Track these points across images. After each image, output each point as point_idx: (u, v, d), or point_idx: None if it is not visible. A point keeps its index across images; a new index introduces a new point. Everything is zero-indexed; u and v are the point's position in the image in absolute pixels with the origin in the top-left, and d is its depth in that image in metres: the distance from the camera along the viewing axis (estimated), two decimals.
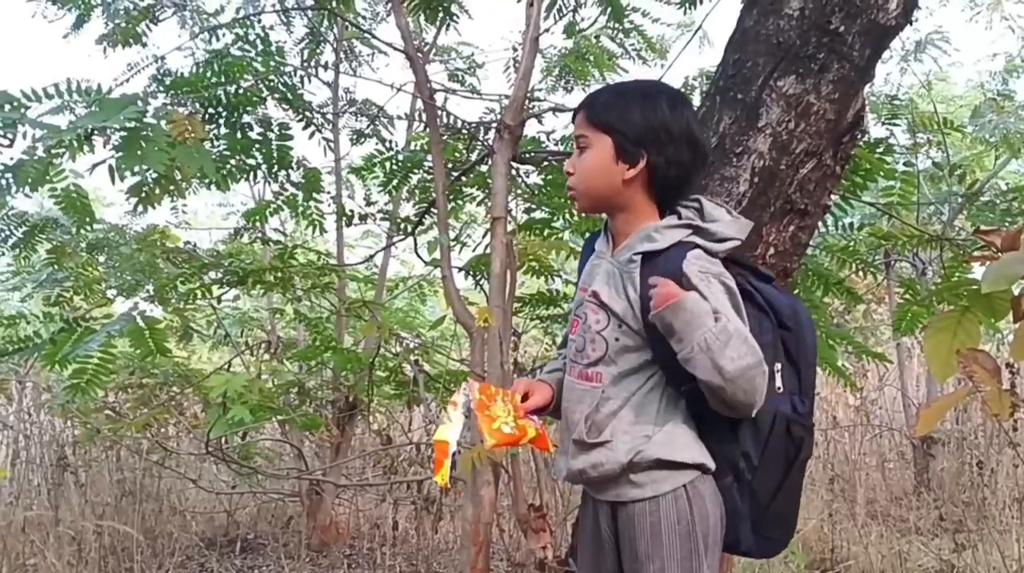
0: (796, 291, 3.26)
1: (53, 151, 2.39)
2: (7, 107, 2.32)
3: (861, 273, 3.58)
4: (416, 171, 3.60)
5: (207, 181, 3.15)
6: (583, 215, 3.21)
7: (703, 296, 1.47)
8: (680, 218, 1.60)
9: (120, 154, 2.25)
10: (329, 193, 3.87)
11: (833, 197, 2.41)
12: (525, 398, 1.67)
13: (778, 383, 1.56)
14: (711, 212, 1.62)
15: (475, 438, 2.14)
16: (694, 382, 1.49)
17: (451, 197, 3.35)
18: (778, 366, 1.56)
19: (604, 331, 1.58)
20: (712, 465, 1.54)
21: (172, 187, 2.60)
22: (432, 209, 3.17)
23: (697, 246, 1.55)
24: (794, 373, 1.59)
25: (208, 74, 2.91)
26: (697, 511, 1.52)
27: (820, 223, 2.96)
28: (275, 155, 3.17)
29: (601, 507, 1.61)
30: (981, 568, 3.29)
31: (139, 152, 2.19)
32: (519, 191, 3.44)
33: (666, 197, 1.61)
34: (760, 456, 1.55)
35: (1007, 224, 3.11)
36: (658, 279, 1.48)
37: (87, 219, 2.72)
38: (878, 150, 2.92)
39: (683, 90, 3.87)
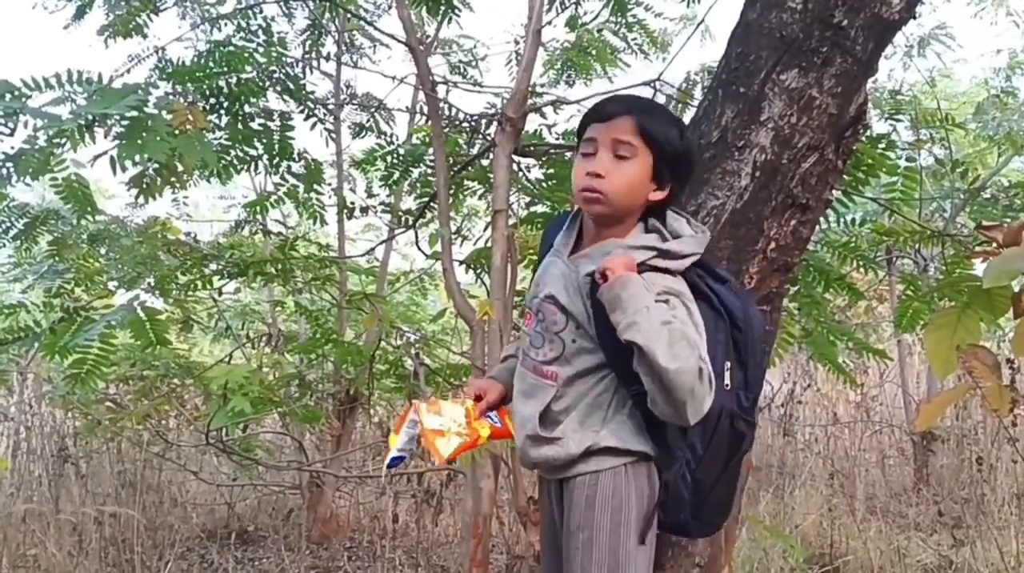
0: (797, 286, 3.26)
1: (54, 140, 2.39)
2: (8, 96, 2.32)
3: (862, 270, 3.58)
4: (417, 165, 3.59)
5: (208, 173, 3.14)
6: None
7: None
8: (647, 230, 1.64)
9: (121, 143, 2.25)
10: (330, 185, 3.86)
11: (835, 192, 2.41)
12: (479, 399, 1.74)
13: (727, 381, 1.61)
14: (673, 226, 1.66)
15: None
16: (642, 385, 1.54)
17: (452, 190, 3.34)
18: (728, 365, 1.62)
19: (562, 332, 1.62)
20: (653, 453, 1.60)
21: (173, 178, 2.60)
22: (433, 202, 3.17)
23: (655, 269, 1.57)
24: (741, 369, 1.64)
25: (210, 63, 2.91)
26: (635, 489, 1.59)
27: (821, 218, 2.97)
28: (276, 146, 3.17)
29: (552, 486, 1.68)
30: (979, 564, 3.29)
31: (140, 142, 2.18)
32: (520, 185, 3.44)
33: (654, 212, 1.66)
34: (705, 448, 1.61)
35: (1008, 220, 3.11)
36: (610, 262, 1.53)
37: (88, 209, 2.71)
38: (880, 146, 2.92)
39: (685, 84, 3.87)
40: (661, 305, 1.51)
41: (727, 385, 1.60)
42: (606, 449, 1.58)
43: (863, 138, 2.57)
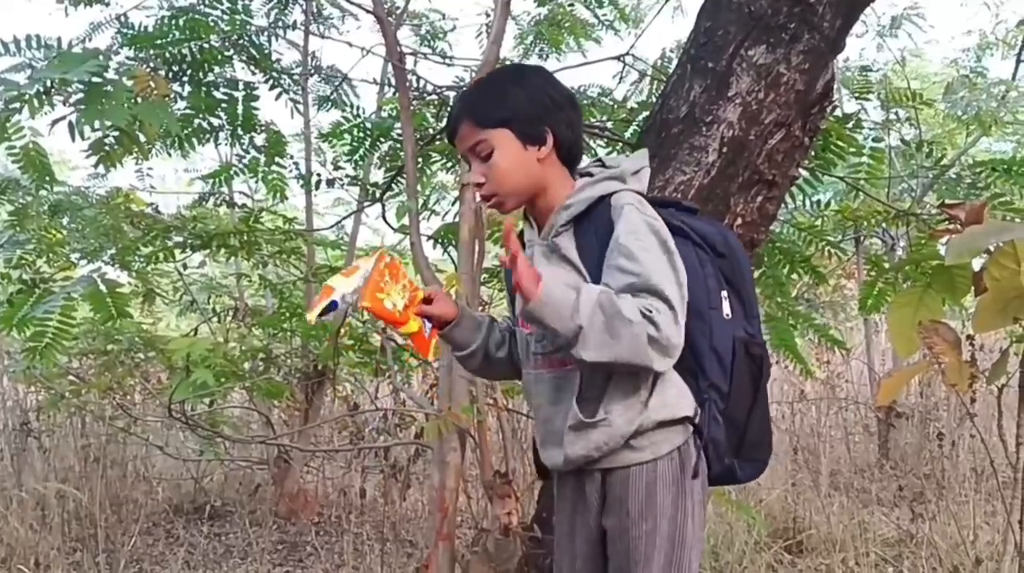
0: (762, 268, 3.28)
1: (11, 107, 2.33)
2: None
3: (828, 254, 3.59)
4: (385, 139, 3.54)
5: (169, 142, 3.08)
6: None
7: (631, 255, 1.46)
8: (593, 176, 1.61)
9: (81, 109, 2.20)
10: (291, 157, 3.80)
11: (801, 170, 2.42)
12: (428, 302, 1.62)
13: (726, 310, 1.58)
14: (610, 161, 1.65)
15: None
16: None
17: (420, 164, 3.31)
18: (724, 293, 1.59)
19: None
20: (698, 412, 1.54)
21: (135, 147, 2.54)
22: (401, 176, 3.14)
23: (617, 192, 1.55)
24: (735, 295, 1.61)
25: (172, 30, 2.85)
26: (689, 470, 1.54)
27: (789, 199, 2.97)
28: (241, 116, 3.11)
29: (589, 476, 1.58)
30: (939, 537, 3.35)
31: (100, 107, 2.13)
32: None
33: (571, 160, 1.63)
34: (729, 383, 1.56)
35: (973, 197, 3.14)
36: (519, 262, 1.41)
37: (46, 179, 2.65)
38: (848, 125, 2.93)
39: (659, 61, 3.85)
40: (587, 290, 1.43)
41: (727, 314, 1.58)
42: (659, 424, 1.52)
43: (831, 117, 2.58)
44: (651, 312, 1.42)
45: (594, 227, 1.55)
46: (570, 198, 1.57)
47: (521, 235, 1.71)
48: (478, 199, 1.72)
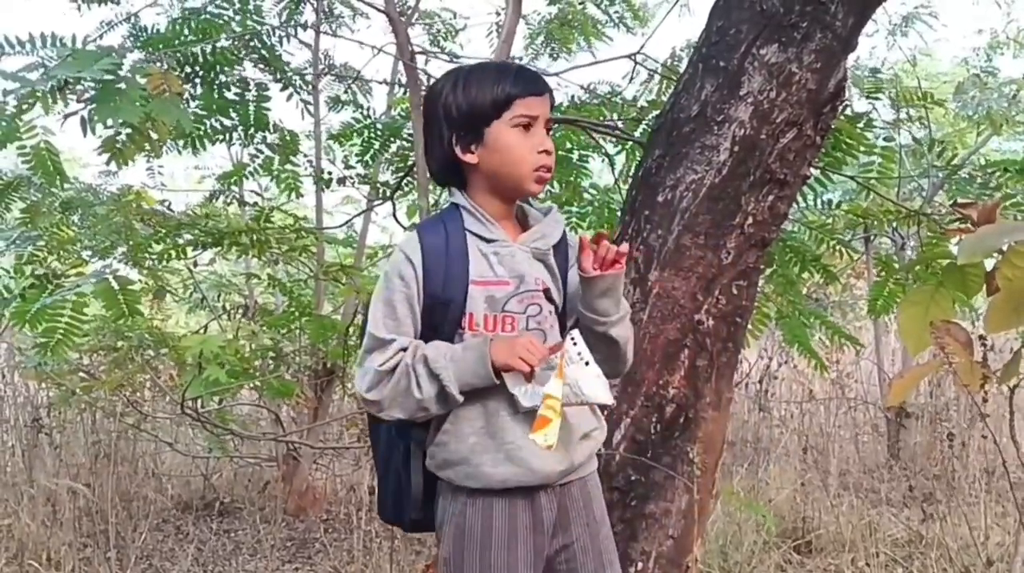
0: (773, 266, 3.27)
1: (23, 106, 2.34)
2: None
3: (839, 253, 3.59)
4: (395, 139, 3.55)
5: (181, 142, 3.09)
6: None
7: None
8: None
9: (94, 106, 2.21)
10: (306, 155, 3.81)
11: (812, 169, 2.41)
12: None
13: None
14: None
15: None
16: None
17: None
18: None
19: (546, 322, 1.53)
20: None
21: (147, 145, 2.55)
22: (412, 175, 3.14)
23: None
24: None
25: (184, 30, 2.86)
26: None
27: (799, 198, 2.97)
28: (252, 117, 3.12)
29: (544, 494, 1.51)
30: (949, 538, 3.34)
31: (113, 104, 2.13)
32: None
33: None
34: None
35: (985, 198, 3.13)
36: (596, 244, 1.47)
37: (57, 178, 2.65)
38: (859, 124, 2.92)
39: (669, 60, 3.85)
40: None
41: None
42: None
43: (842, 115, 2.57)
44: None
45: (559, 252, 1.58)
46: (555, 216, 1.60)
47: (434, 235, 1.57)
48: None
